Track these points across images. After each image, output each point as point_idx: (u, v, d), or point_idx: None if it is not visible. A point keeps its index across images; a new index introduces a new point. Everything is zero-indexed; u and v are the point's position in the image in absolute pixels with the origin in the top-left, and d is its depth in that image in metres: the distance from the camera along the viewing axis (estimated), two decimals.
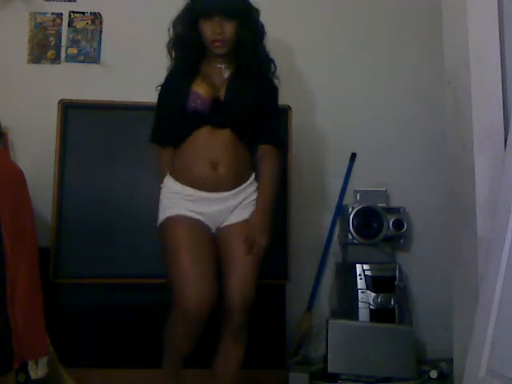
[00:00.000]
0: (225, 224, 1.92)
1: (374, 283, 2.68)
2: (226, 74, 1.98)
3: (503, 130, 1.94)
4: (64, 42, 2.98)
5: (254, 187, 1.97)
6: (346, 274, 2.81)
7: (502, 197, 1.78)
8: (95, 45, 2.99)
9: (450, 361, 2.22)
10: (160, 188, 1.98)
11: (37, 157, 2.74)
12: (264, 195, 1.95)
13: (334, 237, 2.96)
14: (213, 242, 1.90)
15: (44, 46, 2.97)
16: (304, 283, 2.87)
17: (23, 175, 2.17)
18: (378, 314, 2.64)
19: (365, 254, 2.80)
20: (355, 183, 2.98)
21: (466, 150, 1.99)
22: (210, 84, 1.93)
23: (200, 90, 1.90)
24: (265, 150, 2.00)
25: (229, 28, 1.91)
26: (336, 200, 2.97)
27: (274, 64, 2.04)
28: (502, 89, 1.97)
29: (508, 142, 1.83)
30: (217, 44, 1.92)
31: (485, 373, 1.68)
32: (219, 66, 1.98)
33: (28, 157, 2.78)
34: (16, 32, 2.95)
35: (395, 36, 3.11)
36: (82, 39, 2.98)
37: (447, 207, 2.22)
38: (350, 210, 2.81)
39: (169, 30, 1.99)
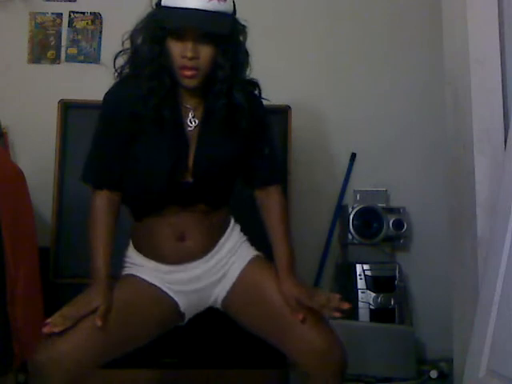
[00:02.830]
0: (228, 287, 1.53)
1: (374, 283, 2.68)
2: (192, 125, 1.50)
3: (503, 130, 1.94)
4: (64, 42, 2.97)
5: (236, 231, 1.60)
6: (346, 274, 2.81)
7: (502, 197, 1.78)
8: (95, 45, 2.99)
9: (450, 361, 2.22)
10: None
11: (37, 157, 2.74)
12: (287, 253, 1.57)
13: (334, 237, 2.97)
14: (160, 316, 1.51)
15: (44, 46, 2.97)
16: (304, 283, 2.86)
17: (23, 175, 2.17)
18: (378, 314, 2.64)
19: (365, 254, 2.79)
20: (355, 183, 2.98)
21: (466, 150, 1.99)
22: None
23: None
24: (268, 193, 1.61)
25: (206, 53, 1.39)
26: (336, 200, 2.97)
27: (259, 87, 1.56)
28: (502, 89, 1.97)
29: (508, 142, 1.83)
30: (186, 73, 1.40)
31: (485, 373, 1.69)
32: (186, 106, 1.50)
33: (28, 157, 2.77)
34: (16, 32, 2.95)
35: (395, 36, 3.11)
36: (82, 39, 2.98)
37: (447, 207, 2.22)
38: (350, 209, 2.81)
39: (123, 41, 1.57)
